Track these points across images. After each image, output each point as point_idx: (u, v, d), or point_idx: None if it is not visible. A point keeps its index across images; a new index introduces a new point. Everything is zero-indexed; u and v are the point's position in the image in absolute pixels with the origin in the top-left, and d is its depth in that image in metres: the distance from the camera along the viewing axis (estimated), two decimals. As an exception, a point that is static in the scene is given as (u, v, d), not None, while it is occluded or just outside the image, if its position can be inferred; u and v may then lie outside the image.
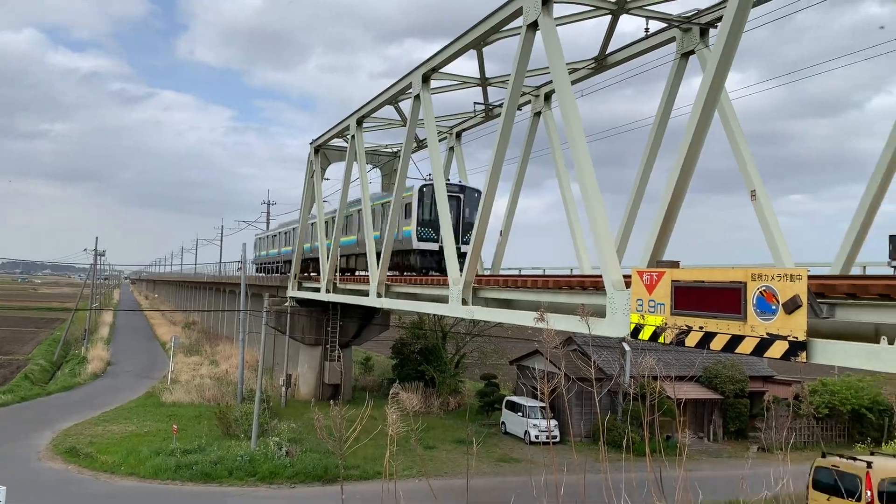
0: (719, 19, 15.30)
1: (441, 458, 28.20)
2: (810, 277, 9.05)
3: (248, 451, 26.23)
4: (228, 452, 26.07)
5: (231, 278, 59.72)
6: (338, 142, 33.67)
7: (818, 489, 17.72)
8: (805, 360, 8.93)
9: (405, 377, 39.72)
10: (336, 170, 36.91)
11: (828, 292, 9.49)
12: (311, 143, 35.40)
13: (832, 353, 8.87)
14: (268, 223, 70.33)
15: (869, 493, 16.39)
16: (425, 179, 28.54)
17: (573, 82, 18.89)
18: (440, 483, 23.99)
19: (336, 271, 31.44)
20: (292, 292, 38.26)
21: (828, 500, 17.34)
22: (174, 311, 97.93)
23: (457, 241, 23.55)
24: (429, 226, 26.62)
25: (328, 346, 40.09)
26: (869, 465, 16.72)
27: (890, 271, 13.02)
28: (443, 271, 24.17)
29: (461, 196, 27.14)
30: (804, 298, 8.86)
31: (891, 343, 8.22)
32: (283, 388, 38.82)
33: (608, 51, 20.21)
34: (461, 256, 24.70)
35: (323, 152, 35.12)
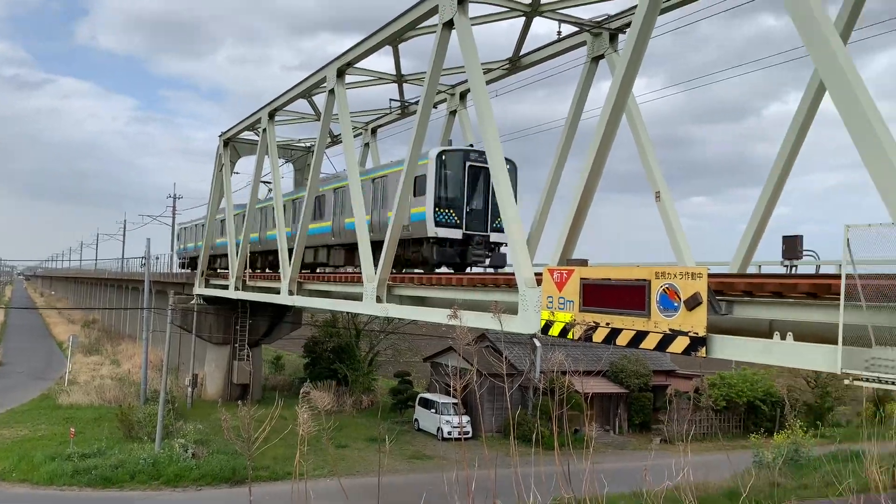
0: (628, 25, 15.75)
1: (353, 457, 28.02)
2: (710, 276, 9.44)
3: (151, 453, 25.37)
4: (130, 455, 25.14)
5: (134, 275, 57.38)
6: (249, 135, 32.85)
7: None
8: (705, 355, 9.31)
9: (317, 376, 39.23)
10: (247, 163, 35.91)
11: (726, 290, 9.93)
12: (220, 136, 34.40)
13: (730, 349, 9.29)
14: (173, 217, 67.81)
15: None
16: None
17: (488, 82, 19.05)
18: (352, 482, 23.77)
19: (245, 268, 30.67)
20: (199, 290, 37.09)
21: None
22: (72, 308, 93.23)
23: (484, 228, 19.98)
24: (450, 206, 19.97)
25: (237, 344, 39.12)
26: None
27: (783, 270, 13.71)
28: (465, 267, 20.32)
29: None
30: (704, 296, 9.23)
31: (783, 338, 8.67)
32: (189, 389, 37.67)
33: (522, 52, 20.52)
34: (488, 246, 20.33)
35: (232, 145, 34.20)
